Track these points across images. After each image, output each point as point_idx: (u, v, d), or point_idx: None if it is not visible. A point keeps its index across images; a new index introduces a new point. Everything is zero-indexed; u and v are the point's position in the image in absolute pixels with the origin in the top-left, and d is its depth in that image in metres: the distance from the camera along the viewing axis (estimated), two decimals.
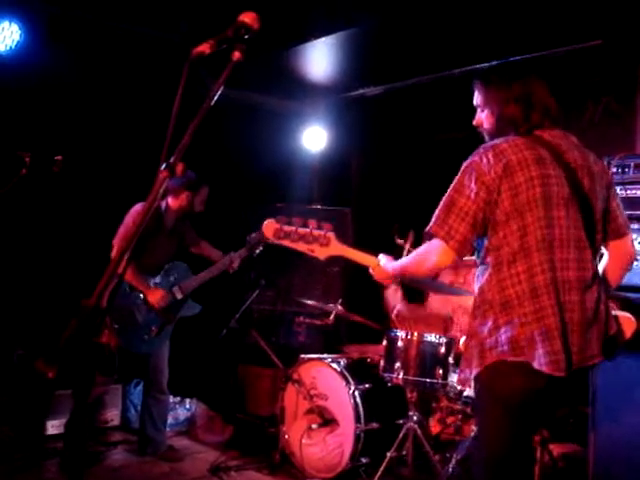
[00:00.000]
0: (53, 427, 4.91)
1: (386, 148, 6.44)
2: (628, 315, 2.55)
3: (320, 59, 5.52)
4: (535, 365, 2.22)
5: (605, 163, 3.58)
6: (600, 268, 2.47)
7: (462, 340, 2.57)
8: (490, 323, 2.30)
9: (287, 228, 2.51)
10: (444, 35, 4.76)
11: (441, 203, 2.36)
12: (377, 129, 6.42)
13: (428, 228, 2.36)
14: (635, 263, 3.45)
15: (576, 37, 4.52)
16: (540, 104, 2.42)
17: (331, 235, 2.55)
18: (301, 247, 2.53)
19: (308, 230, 2.52)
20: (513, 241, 2.28)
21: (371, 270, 2.62)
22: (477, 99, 2.55)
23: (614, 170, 3.58)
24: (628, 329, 2.52)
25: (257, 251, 4.82)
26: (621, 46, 4.49)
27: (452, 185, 2.36)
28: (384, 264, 2.59)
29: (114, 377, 4.72)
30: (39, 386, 4.76)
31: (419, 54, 5.17)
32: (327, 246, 2.54)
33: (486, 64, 4.90)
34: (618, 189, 3.51)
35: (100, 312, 1.37)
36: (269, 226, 2.52)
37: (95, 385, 4.36)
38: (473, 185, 2.29)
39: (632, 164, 3.56)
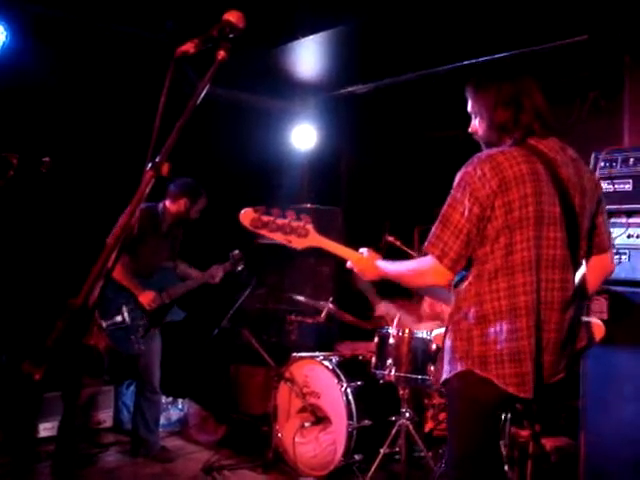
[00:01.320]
0: (45, 430, 4.89)
1: (376, 146, 6.44)
2: (598, 322, 2.57)
3: (308, 57, 5.53)
4: (500, 384, 2.23)
5: (592, 160, 3.61)
6: (577, 278, 2.44)
7: (434, 332, 2.58)
8: (464, 332, 2.31)
9: (265, 218, 2.50)
10: (432, 32, 4.77)
11: (437, 219, 2.33)
12: (367, 127, 6.42)
13: (424, 246, 2.34)
14: (624, 257, 3.49)
15: (562, 33, 4.53)
16: (530, 106, 2.37)
17: (310, 227, 2.53)
18: (278, 237, 2.52)
19: (286, 221, 2.51)
20: (498, 257, 2.26)
21: (350, 263, 2.59)
22: (469, 106, 2.51)
23: (601, 165, 3.60)
24: (598, 334, 2.55)
25: (239, 267, 4.86)
26: (607, 41, 4.50)
27: (447, 199, 2.32)
28: (377, 262, 2.55)
29: (104, 378, 4.71)
30: (28, 388, 4.74)
31: (407, 51, 5.17)
32: (305, 237, 2.53)
33: (473, 60, 4.92)
34: (605, 184, 3.55)
35: (87, 312, 1.37)
36: (246, 215, 2.51)
37: (84, 386, 4.35)
38: (467, 201, 2.25)
39: (619, 159, 3.57)
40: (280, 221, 2.50)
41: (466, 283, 2.34)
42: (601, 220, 2.49)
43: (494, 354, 2.24)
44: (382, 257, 2.60)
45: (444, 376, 2.38)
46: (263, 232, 2.50)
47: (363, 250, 2.60)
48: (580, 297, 2.43)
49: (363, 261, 2.57)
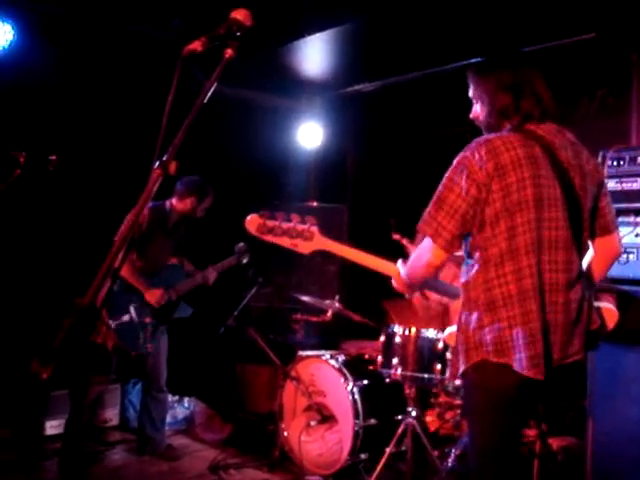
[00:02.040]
0: (52, 427, 4.90)
1: (382, 144, 6.43)
2: (610, 306, 2.55)
3: (315, 55, 5.52)
4: (516, 368, 2.23)
5: (599, 159, 3.58)
6: (585, 263, 2.45)
7: (447, 331, 2.56)
8: (474, 322, 2.31)
9: (270, 223, 2.47)
10: (438, 30, 4.75)
11: (432, 199, 2.34)
12: (373, 125, 6.41)
13: (418, 225, 2.35)
14: (632, 256, 3.47)
15: (570, 30, 4.51)
16: (531, 92, 2.38)
17: (314, 229, 2.50)
18: (284, 242, 2.49)
19: (291, 224, 2.48)
20: (501, 241, 2.26)
21: (393, 280, 2.54)
22: (470, 91, 2.52)
23: (609, 163, 3.58)
24: (611, 321, 2.52)
25: (244, 260, 4.85)
26: (615, 39, 4.48)
27: (442, 181, 2.33)
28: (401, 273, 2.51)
29: (111, 377, 4.72)
30: (35, 386, 4.76)
31: (414, 49, 5.16)
32: (311, 240, 2.50)
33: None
34: (613, 182, 3.53)
35: (94, 311, 1.37)
36: (252, 221, 2.47)
37: (91, 385, 4.36)
38: (463, 182, 2.26)
39: (627, 157, 3.55)
40: (285, 225, 2.48)
41: (473, 272, 2.33)
42: (604, 202, 2.48)
43: (510, 339, 2.24)
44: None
45: (461, 368, 2.36)
46: (269, 238, 2.48)
47: (399, 263, 2.54)
48: (588, 279, 2.43)
49: (399, 278, 2.52)
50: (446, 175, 2.33)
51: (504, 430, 2.35)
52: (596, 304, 2.46)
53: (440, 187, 2.33)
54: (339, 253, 2.57)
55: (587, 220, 2.40)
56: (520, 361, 2.22)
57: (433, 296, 2.77)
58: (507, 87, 2.38)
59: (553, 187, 2.30)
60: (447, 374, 4.00)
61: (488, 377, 2.30)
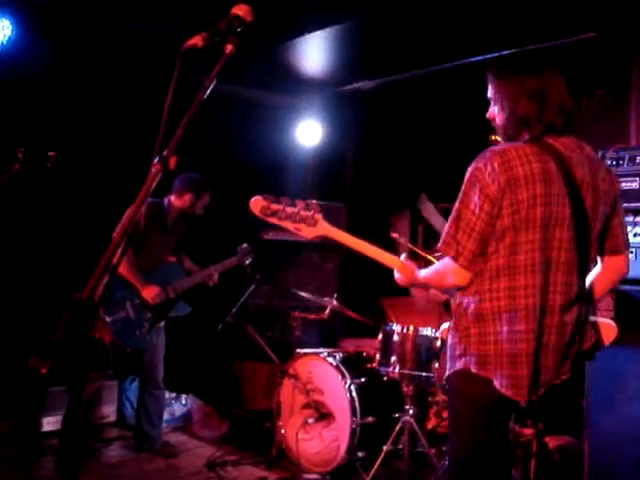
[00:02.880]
0: (49, 424, 4.90)
1: (381, 142, 6.43)
2: (609, 322, 2.49)
3: (314, 53, 5.51)
4: (496, 385, 2.21)
5: (600, 155, 3.58)
6: (589, 278, 2.41)
7: (442, 326, 2.56)
8: (462, 330, 2.30)
9: (274, 206, 2.48)
10: (438, 28, 4.75)
11: (450, 217, 2.29)
12: (372, 123, 6.41)
13: (439, 246, 2.31)
14: (630, 256, 3.46)
15: (569, 30, 4.51)
16: (555, 101, 2.28)
17: (318, 216, 2.50)
18: (288, 225, 2.49)
19: (296, 209, 2.49)
20: (501, 257, 2.23)
21: (396, 272, 2.51)
22: (489, 92, 2.42)
23: (608, 163, 3.58)
24: (608, 337, 2.46)
25: (247, 261, 4.84)
26: (614, 39, 4.48)
27: (459, 195, 2.27)
28: (416, 272, 2.48)
29: (109, 373, 4.72)
30: (33, 382, 4.75)
31: (414, 47, 5.16)
32: (314, 226, 2.50)
33: (480, 57, 4.90)
34: None
35: (93, 306, 1.37)
36: (256, 202, 2.49)
37: (89, 380, 4.35)
38: (477, 198, 2.21)
39: (626, 157, 3.55)
40: (289, 209, 2.48)
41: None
42: (616, 222, 2.41)
43: (493, 354, 2.22)
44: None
45: (446, 373, 2.37)
46: (272, 220, 2.49)
47: (403, 256, 2.53)
48: (587, 298, 2.38)
49: (406, 270, 2.50)
50: (462, 189, 2.27)
51: (482, 438, 2.32)
52: (594, 319, 2.42)
53: (457, 202, 2.28)
54: (342, 241, 2.55)
55: (595, 242, 2.35)
56: (500, 378, 2.21)
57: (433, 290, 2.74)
58: (531, 95, 2.28)
59: (563, 206, 2.23)
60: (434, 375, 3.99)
61: (469, 386, 2.29)
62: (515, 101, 2.31)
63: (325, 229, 2.52)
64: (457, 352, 2.30)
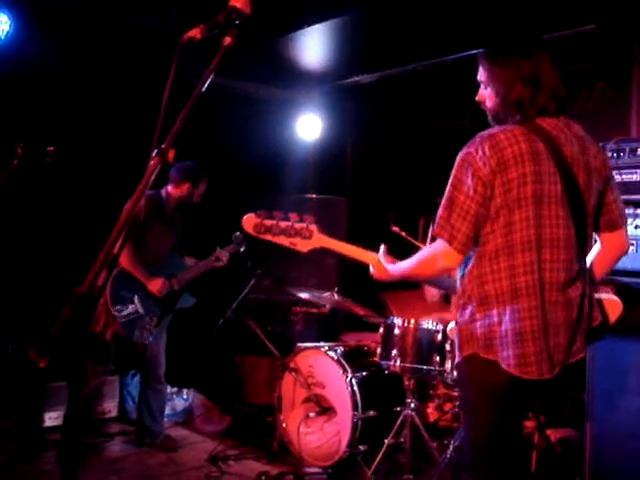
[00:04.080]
0: (51, 419, 4.91)
1: (381, 136, 6.42)
2: (614, 298, 2.50)
3: (314, 46, 5.50)
4: (503, 365, 2.22)
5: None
6: (589, 258, 2.43)
7: (449, 325, 2.57)
8: (467, 315, 2.30)
9: (268, 222, 2.45)
10: (438, 21, 4.74)
11: (442, 201, 2.30)
12: (372, 117, 6.40)
13: (434, 231, 2.31)
14: (631, 248, 3.46)
15: (570, 22, 4.49)
16: (548, 85, 2.31)
17: (313, 227, 2.48)
18: (282, 241, 2.47)
19: (289, 223, 2.46)
20: (498, 237, 2.24)
21: (372, 268, 2.54)
22: (481, 75, 2.43)
23: (609, 155, 3.57)
24: (613, 313, 2.48)
25: (242, 249, 4.85)
26: (615, 31, 4.47)
27: (450, 180, 2.29)
28: (389, 267, 2.50)
29: (110, 367, 4.72)
30: (33, 377, 4.76)
31: (413, 41, 5.14)
32: (310, 238, 2.48)
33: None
34: (613, 174, 3.51)
35: (92, 300, 1.36)
36: (249, 220, 2.47)
37: (90, 375, 4.36)
38: (470, 181, 2.23)
39: (627, 149, 3.54)
40: (283, 224, 2.46)
41: (469, 266, 2.32)
42: (611, 198, 2.43)
43: (498, 336, 2.23)
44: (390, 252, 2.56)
45: (456, 360, 2.38)
46: (267, 237, 2.46)
47: (380, 251, 2.54)
48: (589, 275, 2.40)
49: (380, 267, 2.52)
50: (452, 173, 2.29)
51: (497, 424, 2.34)
52: (597, 296, 2.43)
53: (448, 187, 2.29)
54: (342, 251, 2.55)
55: (591, 217, 2.36)
56: (507, 359, 2.21)
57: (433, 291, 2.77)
58: (525, 79, 2.30)
59: (554, 184, 2.25)
60: (446, 366, 4.00)
61: (478, 371, 2.30)
62: (510, 86, 2.33)
63: (321, 240, 2.51)
64: (464, 338, 2.31)
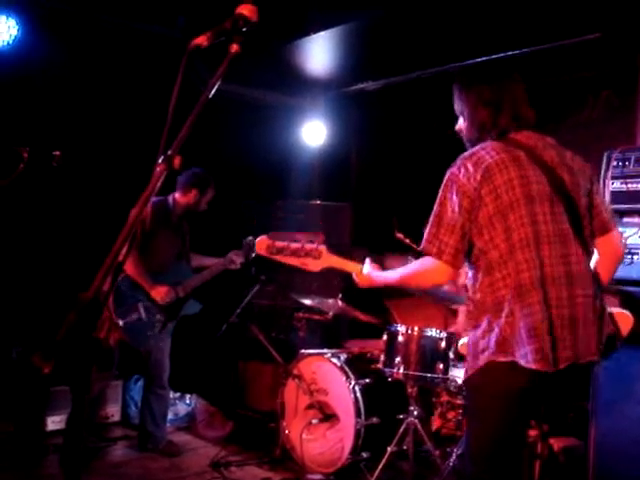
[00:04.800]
0: (54, 423, 4.90)
1: (386, 143, 6.42)
2: (624, 312, 2.53)
3: (320, 53, 5.51)
4: (522, 363, 2.23)
5: (604, 159, 3.58)
6: (592, 265, 2.45)
7: (461, 342, 2.59)
8: (485, 325, 2.31)
9: (279, 244, 2.57)
10: (444, 29, 4.74)
11: (430, 219, 2.39)
12: (377, 124, 6.40)
13: (421, 246, 2.39)
14: (636, 257, 3.45)
15: (575, 30, 4.50)
16: (509, 108, 2.44)
17: (322, 248, 2.59)
18: (294, 262, 2.58)
19: (299, 245, 2.57)
20: (500, 243, 2.29)
21: (354, 277, 2.67)
22: (455, 105, 2.60)
23: (614, 164, 3.56)
24: (625, 326, 2.51)
25: (253, 254, 4.83)
26: (620, 39, 4.46)
27: (437, 199, 2.39)
28: (368, 272, 2.62)
29: (114, 373, 4.72)
30: (37, 382, 4.76)
31: (419, 48, 5.15)
32: (319, 259, 2.59)
33: (485, 58, 4.88)
34: (619, 183, 3.52)
35: (97, 305, 1.36)
36: (261, 243, 2.59)
37: (93, 380, 4.36)
38: (455, 197, 2.32)
39: (632, 157, 3.54)
40: (294, 245, 2.57)
41: (479, 278, 2.35)
42: (598, 201, 2.50)
43: (510, 334, 2.24)
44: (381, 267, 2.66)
45: (466, 374, 2.40)
46: (279, 258, 2.58)
47: (366, 263, 2.65)
48: (597, 279, 2.43)
49: (363, 277, 2.64)
50: (439, 194, 2.40)
51: (504, 431, 2.35)
52: (609, 309, 2.44)
53: (435, 206, 2.39)
54: (343, 268, 2.66)
55: (585, 216, 2.42)
56: (525, 355, 2.22)
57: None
58: (486, 102, 2.45)
59: (542, 184, 2.33)
60: (450, 373, 4.00)
61: (494, 378, 2.30)
62: (473, 109, 2.49)
63: (329, 260, 2.61)
64: (480, 349, 2.32)
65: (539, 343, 2.21)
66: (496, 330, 2.27)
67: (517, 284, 2.25)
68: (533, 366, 2.21)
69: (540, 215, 2.30)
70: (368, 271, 2.62)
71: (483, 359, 2.30)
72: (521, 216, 2.28)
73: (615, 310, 2.50)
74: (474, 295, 2.37)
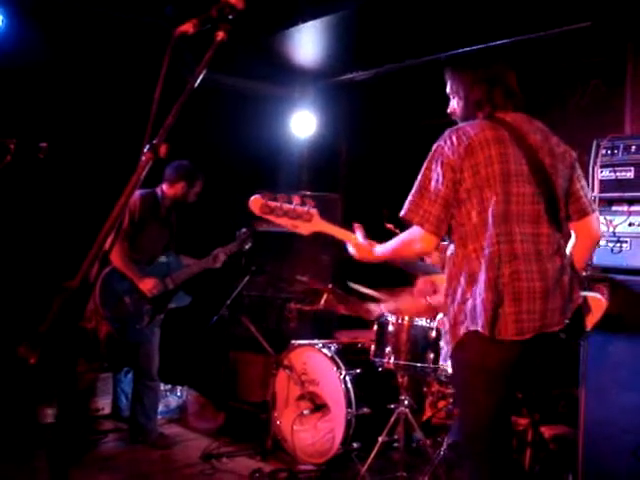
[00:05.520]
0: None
1: (375, 133, 6.41)
2: (598, 296, 2.57)
3: (308, 43, 5.48)
4: (482, 330, 2.30)
5: (593, 147, 3.60)
6: (567, 250, 2.54)
7: (438, 316, 2.64)
8: (459, 297, 2.40)
9: (272, 204, 2.57)
10: (433, 18, 4.73)
11: (413, 189, 2.46)
12: (366, 114, 6.39)
13: (402, 214, 2.46)
14: (625, 245, 3.47)
15: (565, 19, 4.50)
16: (503, 85, 2.53)
17: (314, 211, 2.62)
18: (285, 222, 2.60)
19: (292, 206, 2.59)
20: (474, 216, 2.37)
21: (351, 247, 2.69)
22: (448, 87, 2.67)
23: (603, 152, 3.57)
24: (597, 310, 2.56)
25: (247, 246, 4.83)
26: (610, 28, 4.47)
27: (421, 170, 2.47)
28: (369, 243, 2.66)
29: (103, 365, 4.70)
30: (29, 373, 4.73)
31: (408, 38, 5.13)
32: (310, 222, 2.62)
33: (475, 47, 4.87)
34: (607, 171, 3.53)
35: (83, 295, 1.35)
36: (255, 202, 2.58)
37: (84, 373, 4.34)
38: (439, 169, 2.39)
39: (621, 146, 3.55)
40: (286, 206, 2.58)
41: (454, 250, 2.45)
42: (578, 186, 2.58)
43: (479, 304, 2.32)
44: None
45: (449, 347, 2.47)
46: (271, 218, 2.59)
47: (357, 232, 2.70)
48: (571, 259, 2.51)
49: (362, 247, 2.67)
50: (424, 165, 2.47)
51: (493, 406, 2.39)
52: (583, 293, 2.50)
53: (419, 176, 2.47)
54: (334, 234, 2.70)
55: (562, 199, 2.49)
56: (483, 327, 2.30)
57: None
58: (481, 81, 2.54)
59: (520, 164, 2.41)
60: (440, 363, 4.00)
61: (473, 351, 2.37)
62: (469, 88, 2.57)
63: (319, 224, 2.65)
64: (457, 320, 2.39)
65: (519, 307, 2.30)
66: (470, 301, 2.35)
67: (491, 257, 2.33)
68: (485, 333, 2.29)
69: (514, 195, 2.38)
70: (369, 245, 2.66)
71: (462, 330, 2.38)
72: (496, 193, 2.35)
73: (589, 294, 2.55)
74: (450, 268, 2.47)
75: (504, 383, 2.41)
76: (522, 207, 2.38)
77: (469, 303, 2.36)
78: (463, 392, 2.52)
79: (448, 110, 2.70)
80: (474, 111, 2.55)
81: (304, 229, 2.63)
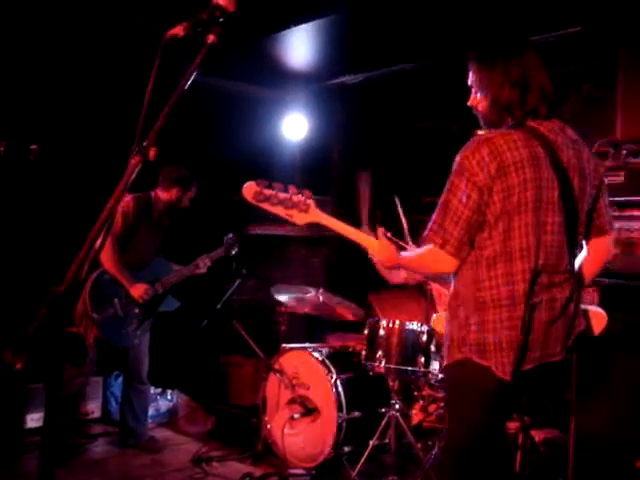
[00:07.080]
0: (32, 420, 4.85)
1: (367, 136, 6.41)
2: (599, 310, 2.52)
3: (300, 46, 5.48)
4: (499, 374, 2.21)
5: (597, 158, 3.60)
6: (577, 262, 2.43)
7: (434, 316, 2.56)
8: (461, 319, 2.29)
9: (267, 192, 2.46)
10: (425, 22, 4.74)
11: (437, 206, 2.29)
12: (358, 117, 6.39)
13: (425, 234, 2.31)
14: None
15: (556, 24, 4.51)
16: (537, 86, 2.30)
17: (310, 202, 2.49)
18: (279, 211, 2.47)
19: (288, 195, 2.47)
20: (497, 243, 2.23)
21: (372, 247, 2.51)
22: (471, 79, 2.42)
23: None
24: (598, 324, 2.50)
25: (233, 252, 4.82)
26: (601, 32, 4.48)
27: (447, 185, 2.28)
28: (393, 247, 2.49)
29: (93, 369, 4.67)
30: (13, 378, 4.70)
31: (399, 42, 5.14)
32: (306, 212, 2.48)
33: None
34: None
35: (70, 299, 1.34)
36: (249, 188, 2.48)
37: (72, 377, 4.31)
38: (464, 187, 2.21)
39: (612, 150, 3.56)
40: (282, 195, 2.47)
41: (463, 270, 2.31)
42: (602, 203, 2.44)
43: (492, 342, 2.22)
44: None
45: (444, 363, 2.38)
46: (265, 206, 2.46)
47: (381, 234, 2.52)
48: (579, 280, 2.40)
49: (386, 249, 2.50)
50: (449, 178, 2.28)
51: (484, 429, 2.33)
52: (583, 307, 2.44)
53: (444, 191, 2.28)
54: (332, 227, 2.53)
55: (583, 223, 2.37)
56: (503, 366, 2.21)
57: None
58: (513, 82, 2.29)
59: (552, 189, 2.25)
60: (431, 367, 4.00)
61: (469, 375, 2.29)
62: (498, 88, 2.32)
63: (316, 215, 2.50)
64: (455, 342, 2.29)
65: (515, 357, 2.20)
66: (477, 331, 2.24)
67: (510, 294, 2.21)
68: (508, 377, 2.21)
69: (546, 225, 2.25)
70: (393, 248, 2.49)
71: (459, 354, 2.28)
72: (527, 223, 2.21)
73: (591, 308, 2.51)
74: (456, 286, 2.34)
75: (498, 406, 2.33)
76: (551, 237, 2.25)
77: (473, 330, 2.25)
78: (453, 410, 2.45)
79: (468, 103, 2.44)
80: (503, 115, 2.33)
81: (299, 219, 2.47)
